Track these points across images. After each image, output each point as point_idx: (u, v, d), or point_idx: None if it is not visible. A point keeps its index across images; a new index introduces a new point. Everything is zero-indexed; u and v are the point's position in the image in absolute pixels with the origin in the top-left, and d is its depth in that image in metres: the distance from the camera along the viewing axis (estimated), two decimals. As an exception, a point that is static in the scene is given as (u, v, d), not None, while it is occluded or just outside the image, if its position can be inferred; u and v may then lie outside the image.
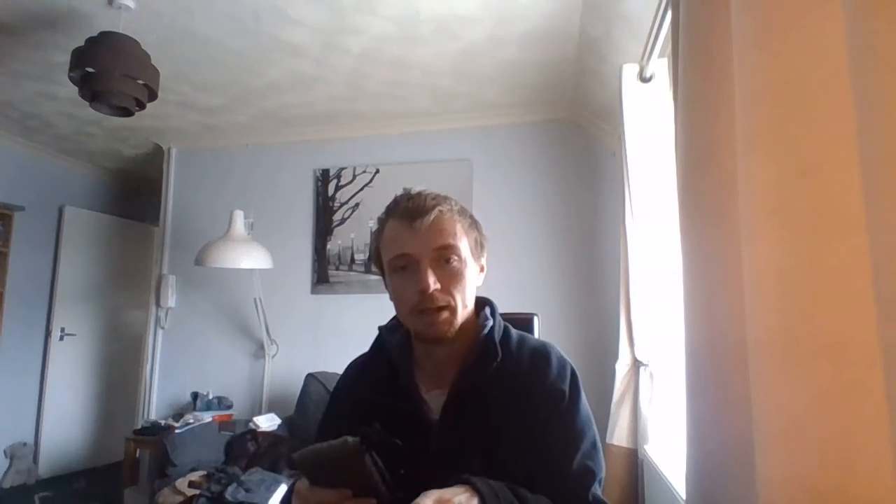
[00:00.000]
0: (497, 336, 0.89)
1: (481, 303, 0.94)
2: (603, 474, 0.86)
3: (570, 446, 0.84)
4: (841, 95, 0.47)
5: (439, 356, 0.89)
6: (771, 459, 0.56)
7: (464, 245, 0.86)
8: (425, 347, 0.89)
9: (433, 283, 0.81)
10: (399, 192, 0.93)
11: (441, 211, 0.85)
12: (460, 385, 0.85)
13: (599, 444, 0.88)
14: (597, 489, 0.84)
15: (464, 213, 0.90)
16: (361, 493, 0.70)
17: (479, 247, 0.90)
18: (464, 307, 0.85)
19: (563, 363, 0.91)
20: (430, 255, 0.83)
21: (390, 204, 0.90)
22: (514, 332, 0.94)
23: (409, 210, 0.85)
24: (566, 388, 0.87)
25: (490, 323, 0.90)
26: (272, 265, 3.19)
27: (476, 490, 0.71)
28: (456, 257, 0.84)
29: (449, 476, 0.74)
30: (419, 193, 0.88)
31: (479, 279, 0.91)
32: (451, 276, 0.83)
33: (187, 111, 3.29)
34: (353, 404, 0.92)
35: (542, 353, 0.91)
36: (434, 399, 0.86)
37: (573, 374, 0.90)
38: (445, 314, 0.83)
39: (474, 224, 0.91)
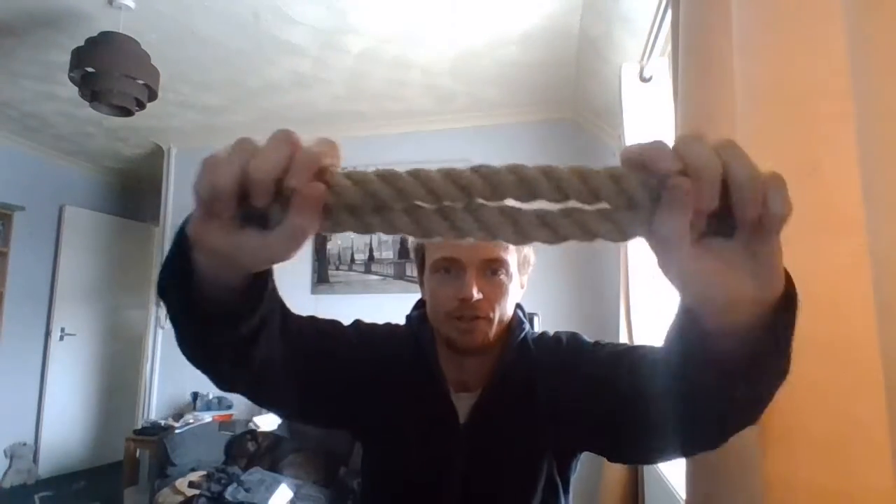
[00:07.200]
0: (530, 338, 0.87)
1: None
2: None
3: (615, 356, 0.81)
4: (841, 95, 0.46)
5: (465, 363, 0.85)
6: (771, 459, 0.56)
7: (512, 259, 0.83)
8: (451, 353, 0.85)
9: (476, 294, 0.78)
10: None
11: None
12: (493, 387, 0.82)
13: None
14: None
15: None
16: None
17: (525, 264, 0.88)
18: (500, 322, 0.82)
19: (558, 333, 0.89)
20: (477, 265, 0.80)
21: None
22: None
23: None
24: (579, 341, 0.86)
25: (526, 327, 0.88)
26: (272, 265, 3.18)
27: None
28: (504, 271, 0.82)
29: (477, 479, 0.72)
30: None
31: (518, 295, 0.88)
32: (495, 289, 0.81)
33: (187, 111, 3.29)
34: (378, 361, 0.86)
35: (543, 337, 0.89)
36: (460, 401, 0.83)
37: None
38: (482, 324, 0.80)
39: None
